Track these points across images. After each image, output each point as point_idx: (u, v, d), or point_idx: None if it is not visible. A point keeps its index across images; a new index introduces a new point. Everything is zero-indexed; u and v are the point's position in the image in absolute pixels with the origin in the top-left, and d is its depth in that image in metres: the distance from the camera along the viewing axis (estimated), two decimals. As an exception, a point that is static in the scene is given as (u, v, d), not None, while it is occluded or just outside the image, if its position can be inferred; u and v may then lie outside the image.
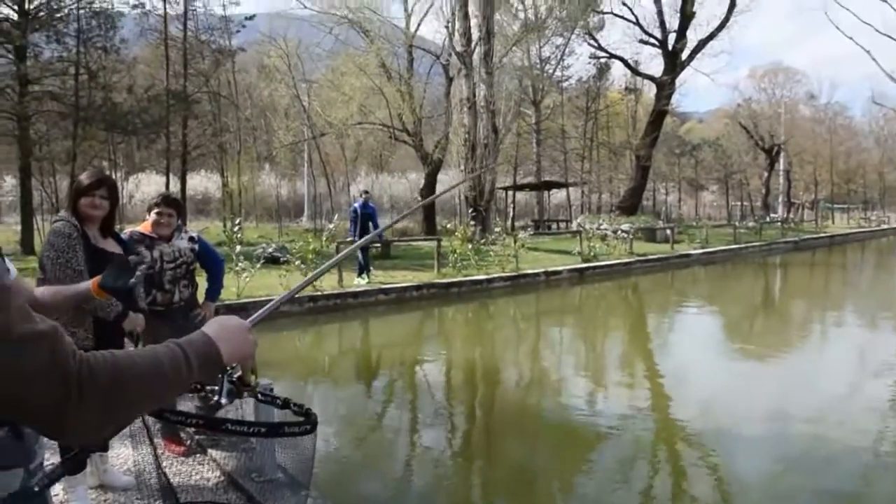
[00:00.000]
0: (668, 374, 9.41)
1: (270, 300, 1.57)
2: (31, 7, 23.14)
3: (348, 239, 15.88)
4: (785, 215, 47.31)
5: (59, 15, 24.12)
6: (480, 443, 6.74)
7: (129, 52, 27.54)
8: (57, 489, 4.18)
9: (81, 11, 24.85)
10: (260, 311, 1.54)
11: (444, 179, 37.40)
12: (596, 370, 9.81)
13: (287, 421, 1.76)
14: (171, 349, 1.28)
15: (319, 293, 13.16)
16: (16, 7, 22.65)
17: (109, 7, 25.74)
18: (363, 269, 15.06)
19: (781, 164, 52.64)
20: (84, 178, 3.72)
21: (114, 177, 26.44)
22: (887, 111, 62.64)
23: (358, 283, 14.66)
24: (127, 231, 4.63)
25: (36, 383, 1.04)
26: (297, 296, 12.28)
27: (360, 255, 14.77)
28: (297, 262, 14.02)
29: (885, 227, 50.24)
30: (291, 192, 50.26)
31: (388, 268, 17.37)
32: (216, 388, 1.54)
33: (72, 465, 3.62)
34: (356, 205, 15.30)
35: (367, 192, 16.06)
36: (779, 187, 53.55)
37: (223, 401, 1.53)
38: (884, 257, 31.75)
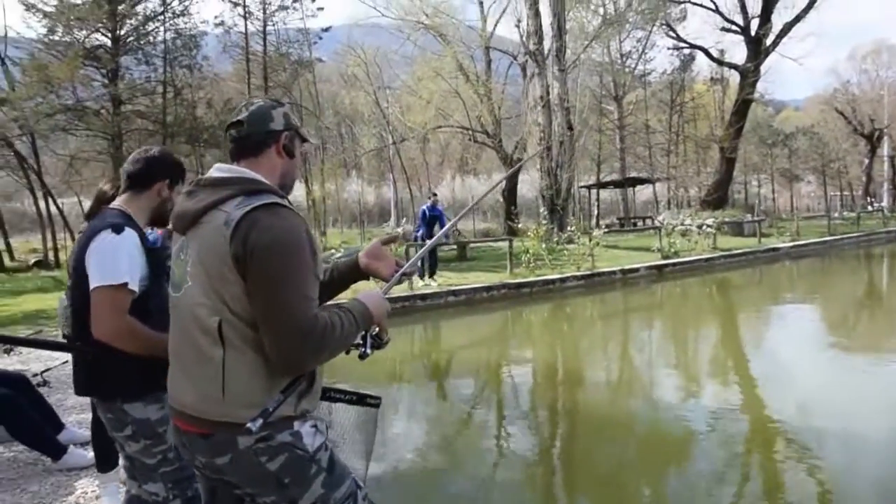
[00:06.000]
0: (755, 371, 9.06)
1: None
2: (122, 33, 24.35)
3: (416, 241, 15.98)
4: (891, 204, 44.87)
5: (147, 38, 25.30)
6: (568, 446, 6.56)
7: (212, 69, 28.61)
8: (86, 485, 4.38)
9: (167, 34, 25.99)
10: (386, 286, 2.32)
11: (526, 179, 37.27)
12: (677, 368, 9.52)
13: (368, 393, 2.36)
14: (345, 313, 2.01)
15: (387, 296, 13.25)
16: (109, 34, 23.86)
17: (193, 28, 26.83)
18: (426, 271, 15.10)
19: (885, 150, 49.97)
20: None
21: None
22: None
23: (424, 284, 14.74)
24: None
25: None
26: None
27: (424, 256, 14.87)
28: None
29: None
30: (377, 198, 51.13)
31: (463, 269, 17.40)
32: (361, 343, 2.12)
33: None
34: (424, 207, 15.50)
35: (434, 194, 16.23)
36: (883, 174, 50.88)
37: (368, 351, 2.12)
38: None
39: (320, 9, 33.86)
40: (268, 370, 1.93)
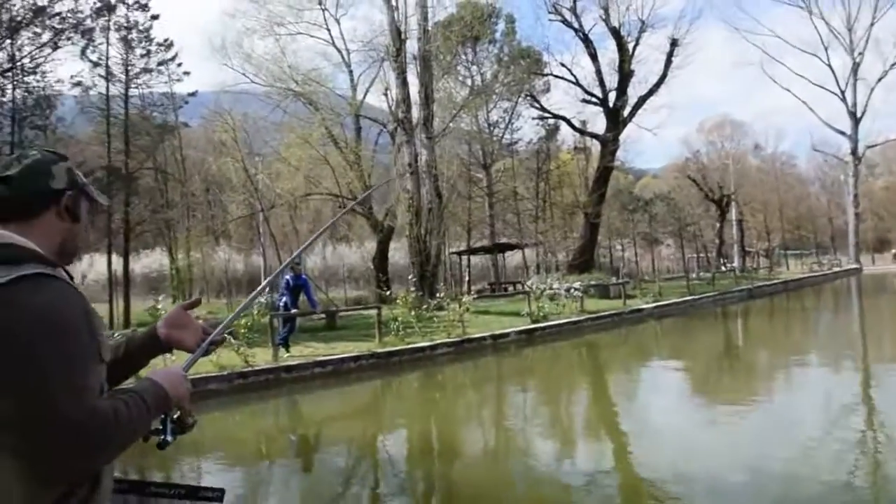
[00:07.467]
0: (626, 429, 9.14)
1: None
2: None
3: (279, 311, 15.37)
4: (741, 264, 47.76)
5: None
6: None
7: (66, 131, 27.22)
8: None
9: (16, 91, 24.59)
10: (189, 358, 1.92)
11: (398, 247, 37.24)
12: (552, 431, 9.45)
13: (205, 486, 1.95)
14: (133, 398, 1.59)
15: (250, 368, 12.66)
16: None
17: (47, 86, 25.46)
18: (284, 341, 14.54)
19: (733, 214, 53.43)
20: None
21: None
22: (829, 157, 64.36)
23: (288, 355, 14.19)
24: None
25: None
26: (226, 373, 11.77)
27: (281, 326, 14.47)
28: (229, 338, 13.54)
29: (836, 270, 50.94)
30: (247, 266, 49.77)
31: (331, 339, 16.89)
32: (160, 428, 1.76)
33: None
34: (287, 277, 14.99)
35: (297, 263, 15.79)
36: (733, 237, 54.26)
37: (169, 438, 1.75)
38: (832, 300, 32.00)
39: (186, 73, 32.98)
40: (32, 479, 1.49)
